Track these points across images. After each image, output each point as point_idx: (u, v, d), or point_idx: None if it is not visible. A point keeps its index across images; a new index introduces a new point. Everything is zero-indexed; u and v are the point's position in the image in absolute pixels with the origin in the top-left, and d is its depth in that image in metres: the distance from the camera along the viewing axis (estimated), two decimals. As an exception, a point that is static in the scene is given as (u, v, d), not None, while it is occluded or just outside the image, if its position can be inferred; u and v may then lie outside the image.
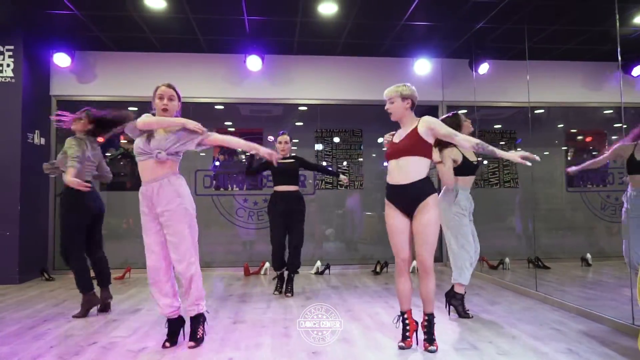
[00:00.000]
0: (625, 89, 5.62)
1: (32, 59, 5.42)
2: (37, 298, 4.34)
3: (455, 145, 3.16)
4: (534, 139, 6.70)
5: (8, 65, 5.22)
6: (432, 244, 2.79)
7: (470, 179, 3.63)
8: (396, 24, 5.21)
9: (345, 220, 6.74)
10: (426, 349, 2.76)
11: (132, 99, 5.85)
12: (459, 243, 3.54)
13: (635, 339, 2.78)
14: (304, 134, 6.59)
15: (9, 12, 4.91)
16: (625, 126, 5.69)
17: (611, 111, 6.46)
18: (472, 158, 3.57)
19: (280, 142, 4.44)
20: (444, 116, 3.63)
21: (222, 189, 6.38)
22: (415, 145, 2.76)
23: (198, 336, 2.91)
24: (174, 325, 2.94)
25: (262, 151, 2.95)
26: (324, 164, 6.43)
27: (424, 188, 2.76)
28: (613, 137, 6.48)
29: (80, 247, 3.67)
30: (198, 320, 2.94)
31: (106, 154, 6.09)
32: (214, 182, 6.37)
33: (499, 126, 6.80)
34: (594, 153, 6.79)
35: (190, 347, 2.85)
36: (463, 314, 3.53)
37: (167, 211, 2.76)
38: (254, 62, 5.72)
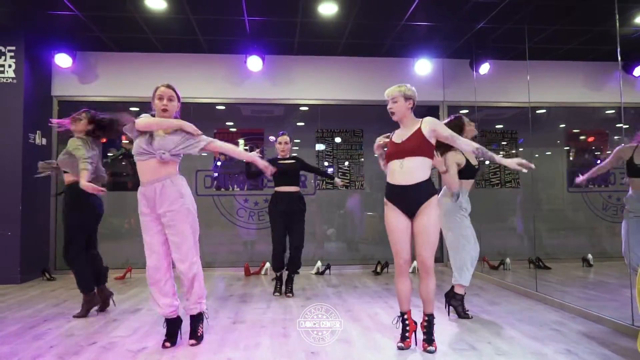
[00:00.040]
0: (626, 89, 5.63)
1: (33, 60, 5.44)
2: (38, 298, 4.36)
3: (456, 149, 3.18)
4: (536, 139, 6.71)
5: (10, 66, 5.24)
6: (434, 244, 2.79)
7: (471, 182, 3.65)
8: (397, 24, 5.21)
9: (345, 221, 6.74)
10: (425, 350, 2.76)
11: (133, 100, 5.87)
12: (461, 244, 3.54)
13: (635, 340, 2.77)
14: (304, 134, 6.60)
15: (10, 13, 4.93)
16: (627, 126, 5.69)
17: (613, 111, 6.45)
18: (474, 162, 3.58)
19: (280, 143, 4.45)
20: (447, 119, 3.62)
21: (222, 189, 6.39)
22: (420, 146, 2.76)
23: (199, 334, 2.95)
24: (173, 325, 2.95)
25: (260, 164, 3.01)
26: (326, 164, 6.45)
27: (427, 189, 2.78)
28: (615, 137, 6.47)
29: (82, 246, 3.68)
30: (199, 318, 2.97)
31: (107, 154, 6.13)
32: (215, 182, 6.38)
33: (501, 126, 6.79)
34: (596, 153, 6.78)
35: (192, 345, 2.88)
36: (463, 314, 3.53)
37: (170, 211, 2.78)
38: (254, 63, 5.73)
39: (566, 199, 6.84)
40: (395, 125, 2.97)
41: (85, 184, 3.36)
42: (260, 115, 6.77)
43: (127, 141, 5.97)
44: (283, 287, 4.47)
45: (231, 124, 6.59)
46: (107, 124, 3.71)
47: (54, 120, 3.91)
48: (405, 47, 5.93)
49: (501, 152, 6.64)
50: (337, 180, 4.73)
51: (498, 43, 5.66)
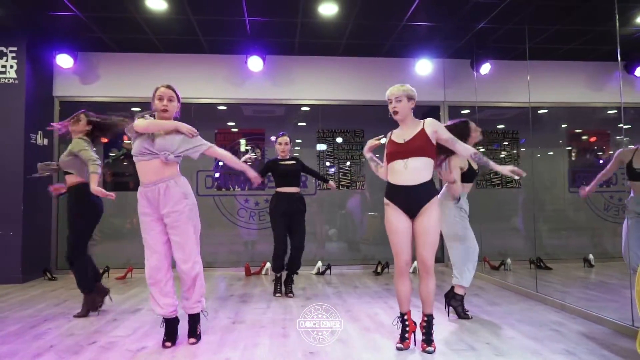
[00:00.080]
0: (628, 89, 5.62)
1: (35, 60, 5.46)
2: (39, 297, 4.37)
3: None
4: (537, 139, 6.70)
5: (11, 67, 5.26)
6: (434, 244, 2.80)
7: (470, 185, 3.67)
8: (397, 24, 5.21)
9: (346, 221, 6.75)
10: (424, 350, 2.76)
11: (134, 100, 5.87)
12: (462, 246, 3.54)
13: (634, 341, 2.76)
14: (305, 134, 6.60)
15: (12, 14, 4.95)
16: (629, 126, 5.67)
17: (615, 111, 6.43)
18: (475, 166, 3.59)
19: (280, 144, 4.45)
20: (454, 121, 3.59)
21: (223, 190, 6.40)
22: (424, 147, 2.77)
23: (198, 332, 2.98)
24: (172, 325, 2.96)
25: (250, 175, 3.07)
26: (327, 164, 6.46)
27: (430, 190, 2.78)
28: (617, 137, 6.45)
29: (86, 247, 3.70)
30: (197, 317, 3.00)
31: (109, 154, 6.15)
32: (216, 182, 6.39)
33: (502, 126, 6.78)
34: (599, 153, 6.77)
35: (191, 344, 2.91)
36: (462, 314, 3.53)
37: (175, 212, 2.80)
38: (255, 63, 5.74)
39: (567, 199, 6.82)
40: (394, 126, 2.96)
41: (95, 188, 3.37)
42: (261, 115, 6.78)
43: (128, 141, 5.98)
44: (282, 287, 4.47)
45: (232, 124, 6.60)
46: (104, 125, 3.73)
47: (54, 125, 3.92)
48: (405, 47, 5.93)
49: (503, 152, 6.63)
50: (331, 183, 4.75)
51: (499, 43, 5.65)
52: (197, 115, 6.03)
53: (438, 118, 6.38)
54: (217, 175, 6.39)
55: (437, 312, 3.55)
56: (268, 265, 5.74)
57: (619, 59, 3.46)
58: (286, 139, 4.48)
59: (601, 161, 6.70)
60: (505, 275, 5.48)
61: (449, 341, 2.97)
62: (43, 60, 5.64)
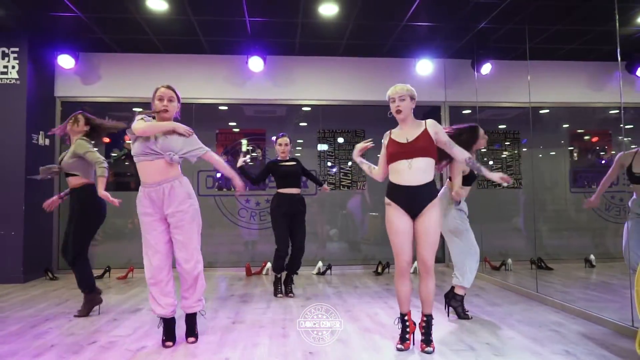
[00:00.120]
0: (631, 89, 5.60)
1: (36, 61, 5.48)
2: (40, 297, 4.39)
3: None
4: (538, 139, 6.68)
5: (13, 67, 5.28)
6: (435, 245, 2.80)
7: (469, 188, 3.67)
8: (397, 24, 5.21)
9: (346, 221, 6.75)
10: (423, 350, 2.76)
11: (135, 100, 5.89)
12: (464, 247, 3.54)
13: (634, 341, 2.76)
14: (306, 134, 6.61)
15: (13, 15, 4.96)
16: (631, 126, 5.66)
17: (617, 111, 6.42)
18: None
19: (280, 144, 4.45)
20: (464, 125, 3.56)
21: (224, 190, 6.41)
22: (428, 147, 2.78)
23: (196, 332, 3.00)
24: (171, 324, 2.97)
25: (237, 183, 3.13)
26: (329, 164, 6.47)
27: (432, 190, 2.79)
28: (619, 138, 6.43)
29: (88, 247, 3.73)
30: (195, 316, 3.02)
31: (111, 154, 6.17)
32: (217, 182, 6.40)
33: (504, 126, 6.78)
34: (601, 153, 6.75)
35: (191, 343, 2.93)
36: (462, 315, 3.53)
37: (180, 212, 2.82)
38: (256, 63, 5.74)
39: (569, 199, 6.81)
40: (394, 125, 2.95)
41: (103, 192, 3.40)
42: (262, 115, 6.79)
43: (130, 141, 6.00)
44: (282, 288, 4.47)
45: (233, 124, 6.61)
46: (100, 126, 3.76)
47: (55, 130, 3.92)
48: (406, 47, 5.93)
49: (504, 152, 6.62)
50: (325, 186, 4.76)
51: (499, 43, 5.64)
52: (198, 115, 6.04)
53: (439, 118, 6.38)
54: (218, 175, 6.40)
55: (437, 312, 3.55)
56: (269, 265, 5.75)
57: (619, 59, 3.45)
58: (286, 139, 4.48)
59: (603, 161, 6.68)
60: (506, 276, 5.47)
61: (449, 341, 2.97)
62: (44, 61, 5.66)
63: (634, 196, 3.75)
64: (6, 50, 5.27)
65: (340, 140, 6.53)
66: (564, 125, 6.92)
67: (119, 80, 6.01)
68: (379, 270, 5.79)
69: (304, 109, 6.57)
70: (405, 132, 2.83)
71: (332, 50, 6.05)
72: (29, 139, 5.32)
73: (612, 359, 2.64)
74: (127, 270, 5.55)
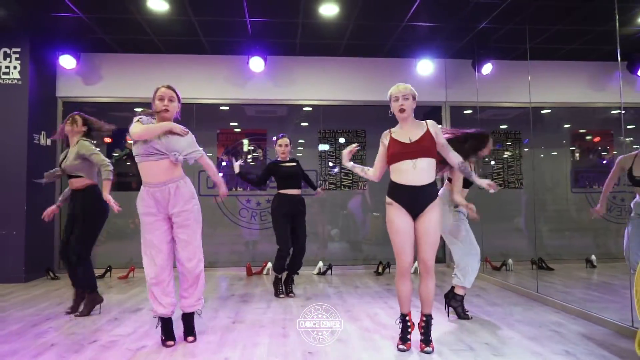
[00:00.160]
0: (632, 89, 5.59)
1: (38, 61, 5.50)
2: (41, 297, 4.40)
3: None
4: (540, 140, 6.68)
5: (15, 68, 5.30)
6: (436, 244, 2.81)
7: (467, 190, 3.67)
8: (398, 24, 5.21)
9: (347, 221, 6.75)
10: (422, 350, 2.76)
11: (136, 100, 5.89)
12: (465, 248, 3.54)
13: (634, 341, 2.75)
14: (307, 134, 6.62)
15: (15, 16, 4.98)
16: (633, 126, 5.64)
17: (622, 111, 6.42)
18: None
19: (280, 145, 4.46)
20: (477, 130, 3.54)
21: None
22: (431, 148, 2.79)
23: (194, 331, 3.02)
24: (170, 324, 2.98)
25: (221, 190, 3.23)
26: (330, 164, 6.48)
27: (434, 190, 2.81)
28: (620, 138, 6.42)
29: (92, 248, 3.77)
30: (193, 315, 3.04)
31: (112, 154, 6.18)
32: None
33: (505, 126, 6.77)
34: (603, 154, 6.74)
35: (191, 342, 2.95)
36: (462, 315, 3.53)
37: (185, 211, 2.86)
38: (256, 64, 5.75)
39: (570, 199, 6.80)
40: (392, 126, 2.94)
41: (108, 196, 3.46)
42: (263, 115, 6.80)
43: (131, 141, 6.01)
44: (283, 288, 4.48)
45: (234, 124, 6.62)
46: (95, 126, 3.77)
47: (56, 136, 3.94)
48: (407, 47, 5.93)
49: (506, 153, 6.62)
50: (318, 190, 4.77)
51: (500, 43, 5.64)
52: (199, 115, 6.06)
53: (439, 118, 6.38)
54: (220, 175, 6.40)
55: (437, 312, 3.56)
56: (269, 265, 5.75)
57: (619, 59, 3.45)
58: (286, 140, 4.48)
59: (605, 161, 6.67)
60: (506, 276, 5.47)
61: (448, 341, 2.97)
62: (46, 61, 5.68)
63: (637, 197, 3.75)
64: (8, 51, 5.29)
65: (342, 140, 6.54)
66: (566, 126, 6.91)
67: (120, 80, 6.02)
68: (380, 270, 5.80)
69: (305, 109, 6.58)
70: (407, 131, 2.82)
71: (333, 50, 6.06)
72: (31, 139, 5.33)
73: (611, 359, 2.64)
74: (128, 270, 5.56)
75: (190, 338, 2.98)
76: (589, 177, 6.67)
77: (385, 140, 2.89)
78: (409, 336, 2.83)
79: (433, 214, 2.76)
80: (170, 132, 2.85)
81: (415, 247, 2.82)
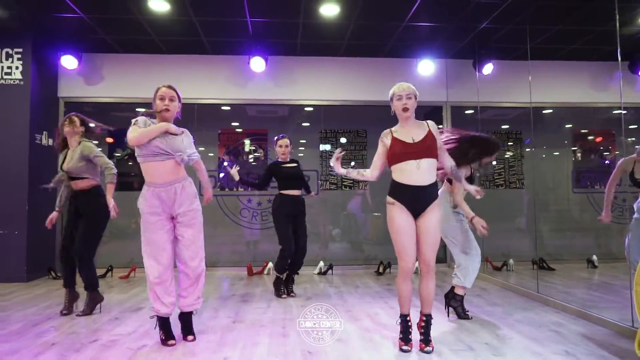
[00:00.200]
0: (633, 89, 5.58)
1: (40, 62, 5.52)
2: (42, 296, 4.42)
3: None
4: (541, 140, 6.67)
5: (17, 68, 5.32)
6: (437, 244, 2.81)
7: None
8: (398, 25, 5.21)
9: (348, 221, 6.76)
10: (422, 350, 2.76)
11: (138, 100, 5.91)
12: (466, 248, 3.53)
13: (634, 342, 2.75)
14: (309, 134, 6.63)
15: (17, 16, 5.00)
16: (635, 126, 5.63)
17: (625, 112, 6.41)
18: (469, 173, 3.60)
19: (280, 146, 4.46)
20: (488, 136, 3.51)
21: (226, 189, 6.43)
22: (434, 148, 2.80)
23: (193, 330, 3.04)
24: (169, 323, 2.99)
25: (207, 195, 3.22)
26: (331, 164, 6.47)
27: (435, 190, 2.82)
28: (621, 138, 6.41)
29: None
30: (192, 314, 3.06)
31: (114, 154, 6.20)
32: (219, 182, 6.42)
33: (507, 127, 6.77)
34: (605, 154, 6.73)
35: (191, 341, 2.97)
36: (462, 315, 3.53)
37: (191, 211, 2.90)
38: (257, 64, 5.76)
39: (571, 199, 6.79)
40: (392, 125, 2.93)
41: (111, 200, 3.52)
42: (264, 115, 6.81)
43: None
44: (284, 288, 4.48)
45: (236, 124, 6.63)
46: (92, 126, 3.80)
47: (56, 143, 3.91)
48: (407, 47, 5.93)
49: (507, 153, 6.61)
50: (312, 194, 4.77)
51: (501, 43, 5.64)
52: (200, 115, 6.07)
53: (440, 118, 6.39)
54: (222, 175, 6.42)
55: (437, 312, 3.56)
56: (270, 265, 5.77)
57: (619, 59, 3.44)
58: (286, 141, 4.48)
59: (607, 162, 6.66)
60: (507, 276, 5.47)
61: (448, 341, 2.97)
62: (48, 62, 5.70)
63: None
64: (10, 51, 5.31)
65: (343, 140, 6.55)
66: (567, 126, 6.90)
67: (121, 80, 6.04)
68: (381, 270, 5.80)
69: (306, 109, 6.59)
70: (409, 131, 2.82)
71: (334, 50, 6.06)
72: (32, 139, 5.35)
73: (611, 359, 2.64)
74: (129, 269, 5.58)
75: (190, 337, 2.99)
76: (591, 178, 6.66)
77: (386, 139, 2.87)
78: (410, 336, 2.83)
79: (434, 214, 2.77)
80: (167, 133, 2.85)
81: (416, 247, 2.82)
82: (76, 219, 3.72)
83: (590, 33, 5.39)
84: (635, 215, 3.70)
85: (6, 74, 5.30)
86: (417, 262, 2.88)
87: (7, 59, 5.31)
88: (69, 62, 5.60)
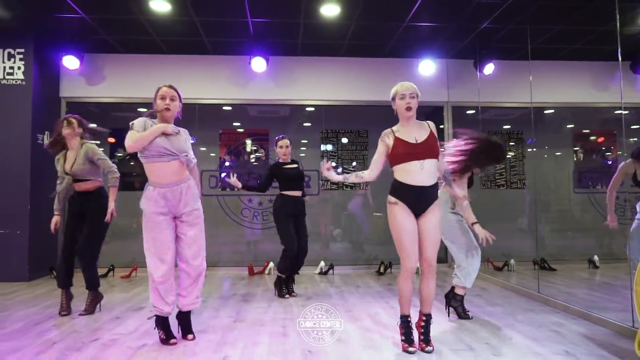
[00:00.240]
0: (634, 89, 5.57)
1: (42, 62, 5.54)
2: (44, 295, 4.44)
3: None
4: (542, 140, 6.66)
5: (19, 68, 5.34)
6: (438, 243, 2.83)
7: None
8: (399, 25, 5.22)
9: (349, 221, 6.76)
10: (423, 350, 2.75)
11: (139, 100, 5.92)
12: (466, 249, 3.54)
13: (634, 342, 2.75)
14: (310, 134, 6.63)
15: (19, 16, 5.02)
16: (637, 126, 5.62)
17: (624, 112, 6.40)
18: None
19: (281, 147, 4.46)
20: (490, 142, 3.46)
21: (227, 189, 6.44)
22: (437, 149, 2.80)
23: (192, 329, 3.06)
24: (168, 322, 3.00)
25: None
26: (333, 164, 6.46)
27: (436, 191, 2.83)
28: (621, 138, 6.40)
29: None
30: (190, 313, 3.08)
31: (116, 154, 6.22)
32: (220, 182, 6.43)
33: (508, 127, 6.76)
34: (607, 154, 6.72)
35: (192, 340, 2.98)
36: (463, 314, 3.53)
37: (196, 210, 2.95)
38: (258, 64, 5.76)
39: (573, 199, 6.78)
40: (391, 125, 2.92)
41: (112, 204, 3.58)
42: (265, 115, 6.82)
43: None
44: (285, 288, 4.49)
45: (237, 124, 6.64)
46: (88, 127, 3.81)
47: (47, 143, 3.90)
48: (408, 47, 5.93)
49: (510, 153, 6.61)
50: (306, 198, 4.71)
51: (502, 43, 5.63)
52: (202, 115, 6.09)
53: (441, 118, 6.39)
54: (223, 175, 6.43)
55: (437, 312, 3.56)
56: (271, 264, 5.78)
57: (620, 59, 3.44)
58: (286, 141, 4.48)
59: (609, 162, 6.64)
60: (508, 276, 5.46)
61: (448, 341, 2.97)
62: (50, 62, 5.72)
63: None
64: (12, 52, 5.34)
65: (344, 140, 6.55)
66: (568, 126, 6.89)
67: (123, 80, 6.06)
68: (382, 270, 5.80)
69: (307, 109, 6.59)
70: (410, 131, 2.81)
71: (334, 50, 6.07)
72: (34, 139, 5.37)
73: (611, 359, 2.64)
74: (130, 269, 5.59)
75: (190, 336, 3.00)
76: (592, 178, 6.65)
77: (388, 139, 2.84)
78: (413, 337, 2.82)
79: (435, 213, 2.79)
80: (164, 134, 2.84)
81: (418, 247, 2.82)
82: (78, 220, 3.72)
83: (591, 33, 5.39)
84: (638, 216, 3.70)
85: (8, 74, 5.32)
86: (418, 262, 2.88)
87: (9, 59, 5.33)
88: (70, 62, 5.61)
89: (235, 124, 6.63)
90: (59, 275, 3.73)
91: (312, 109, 6.57)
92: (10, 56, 5.33)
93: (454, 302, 3.57)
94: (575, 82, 6.34)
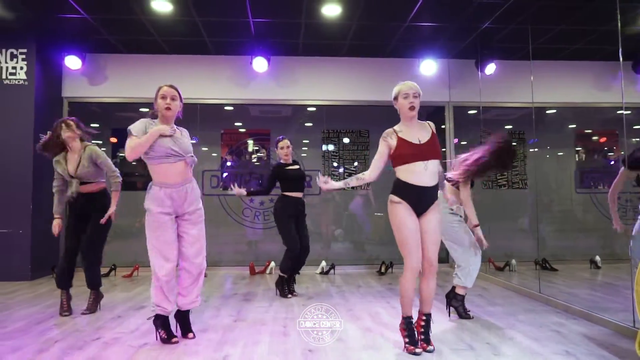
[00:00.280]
0: (635, 89, 5.56)
1: (44, 62, 5.56)
2: (46, 295, 4.46)
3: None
4: (544, 140, 6.65)
5: (21, 68, 5.36)
6: (439, 243, 2.84)
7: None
8: (400, 25, 5.22)
9: (350, 221, 6.76)
10: (425, 350, 2.75)
11: (141, 100, 5.93)
12: (466, 249, 3.54)
13: (634, 342, 2.75)
14: (311, 134, 6.64)
15: (21, 17, 5.05)
16: (639, 126, 5.59)
17: (625, 112, 6.39)
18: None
19: (282, 148, 4.46)
20: (505, 142, 3.45)
21: (229, 189, 6.43)
22: (439, 150, 2.82)
23: (191, 327, 3.08)
24: (169, 321, 3.00)
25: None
26: (334, 164, 6.50)
27: (437, 191, 2.85)
28: (623, 138, 6.39)
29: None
30: (189, 312, 3.09)
31: (118, 154, 6.24)
32: (221, 182, 6.44)
33: (510, 127, 6.76)
34: (609, 154, 6.70)
35: (192, 338, 3.00)
36: (464, 314, 3.53)
37: (199, 209, 3.00)
38: (260, 64, 5.77)
39: (575, 200, 6.77)
40: (392, 125, 2.92)
41: (113, 208, 3.63)
42: (266, 115, 6.83)
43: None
44: (287, 287, 4.50)
45: (239, 124, 6.65)
46: (84, 129, 3.80)
47: (39, 144, 3.87)
48: (410, 47, 5.93)
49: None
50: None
51: (504, 43, 5.63)
52: (203, 115, 6.10)
53: (443, 118, 6.38)
54: (225, 174, 6.44)
55: (438, 312, 3.57)
56: (272, 264, 5.79)
57: (621, 58, 3.44)
58: (287, 142, 4.49)
59: (611, 162, 6.63)
60: (509, 276, 5.46)
61: (449, 341, 2.98)
62: (52, 62, 5.74)
63: None
64: (14, 52, 5.36)
65: (346, 140, 6.55)
66: (570, 126, 6.88)
67: (125, 80, 6.07)
68: (383, 270, 5.80)
69: (309, 109, 6.60)
70: (413, 131, 2.81)
71: (336, 50, 6.07)
72: (37, 139, 5.34)
73: (611, 359, 2.63)
74: (132, 268, 5.61)
75: (190, 335, 3.02)
76: (594, 178, 6.64)
77: (390, 140, 2.81)
78: (416, 338, 2.80)
79: (436, 213, 2.80)
80: (162, 136, 2.83)
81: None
82: (81, 222, 3.73)
83: (592, 33, 5.38)
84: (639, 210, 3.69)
85: (11, 74, 5.35)
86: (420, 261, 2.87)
87: (11, 60, 5.36)
88: (72, 62, 5.63)
89: (236, 124, 6.64)
90: (60, 275, 3.72)
91: (314, 109, 6.58)
92: (12, 56, 5.36)
93: (455, 302, 3.57)
94: (576, 82, 6.34)
